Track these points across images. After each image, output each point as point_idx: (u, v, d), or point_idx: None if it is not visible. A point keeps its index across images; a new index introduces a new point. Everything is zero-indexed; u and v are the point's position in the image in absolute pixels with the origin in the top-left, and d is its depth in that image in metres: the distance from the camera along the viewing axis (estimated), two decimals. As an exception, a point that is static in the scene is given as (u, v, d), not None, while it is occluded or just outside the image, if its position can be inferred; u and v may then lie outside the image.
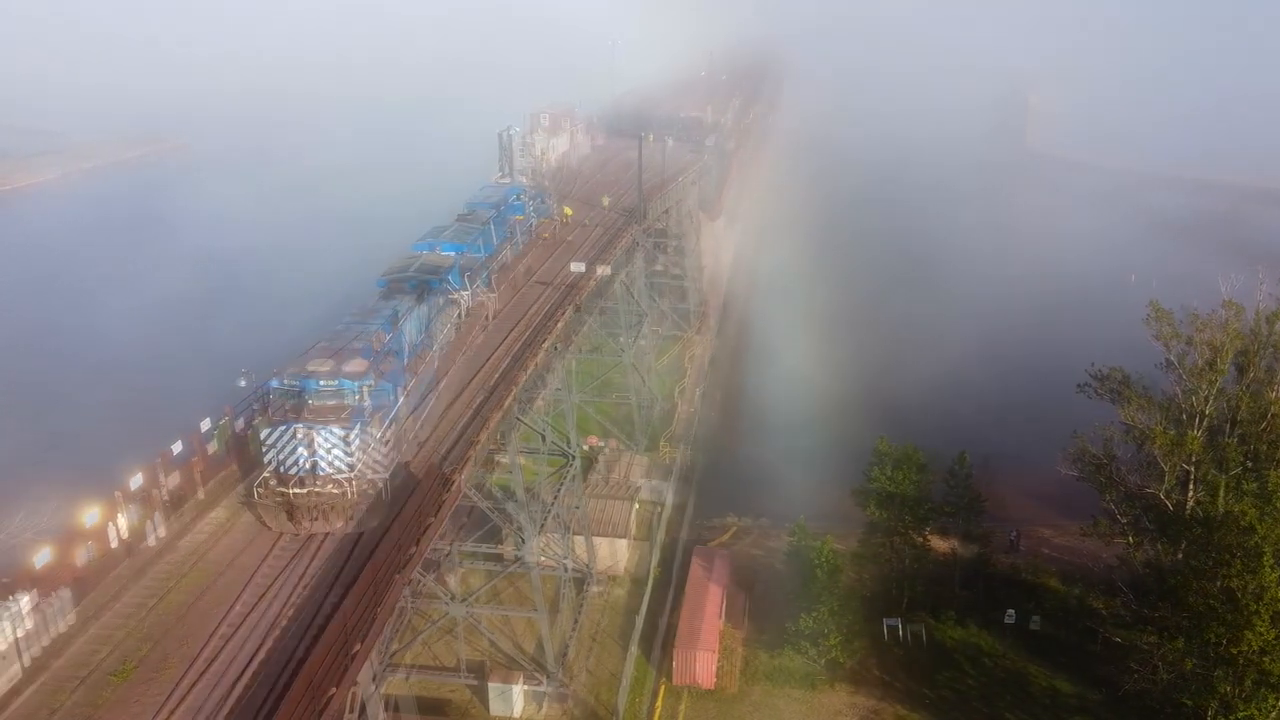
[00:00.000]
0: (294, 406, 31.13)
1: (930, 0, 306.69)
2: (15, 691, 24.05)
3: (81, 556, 27.80)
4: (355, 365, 32.46)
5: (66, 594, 26.88)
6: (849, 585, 54.25)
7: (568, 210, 77.17)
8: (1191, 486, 44.01)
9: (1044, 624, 56.16)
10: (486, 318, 48.58)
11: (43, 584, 26.29)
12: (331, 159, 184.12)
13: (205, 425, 34.66)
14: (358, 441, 31.40)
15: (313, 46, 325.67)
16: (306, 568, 28.55)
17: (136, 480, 30.55)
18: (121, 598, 27.35)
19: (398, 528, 27.57)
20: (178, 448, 32.98)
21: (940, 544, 59.30)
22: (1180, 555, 44.03)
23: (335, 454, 30.71)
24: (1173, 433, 42.17)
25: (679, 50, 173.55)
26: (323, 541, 29.89)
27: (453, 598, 50.08)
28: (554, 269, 60.15)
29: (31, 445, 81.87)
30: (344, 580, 27.18)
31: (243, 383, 37.57)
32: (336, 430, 30.63)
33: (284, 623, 26.07)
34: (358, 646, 24.74)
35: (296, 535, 30.32)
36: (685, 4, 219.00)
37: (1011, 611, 55.24)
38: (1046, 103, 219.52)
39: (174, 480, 32.32)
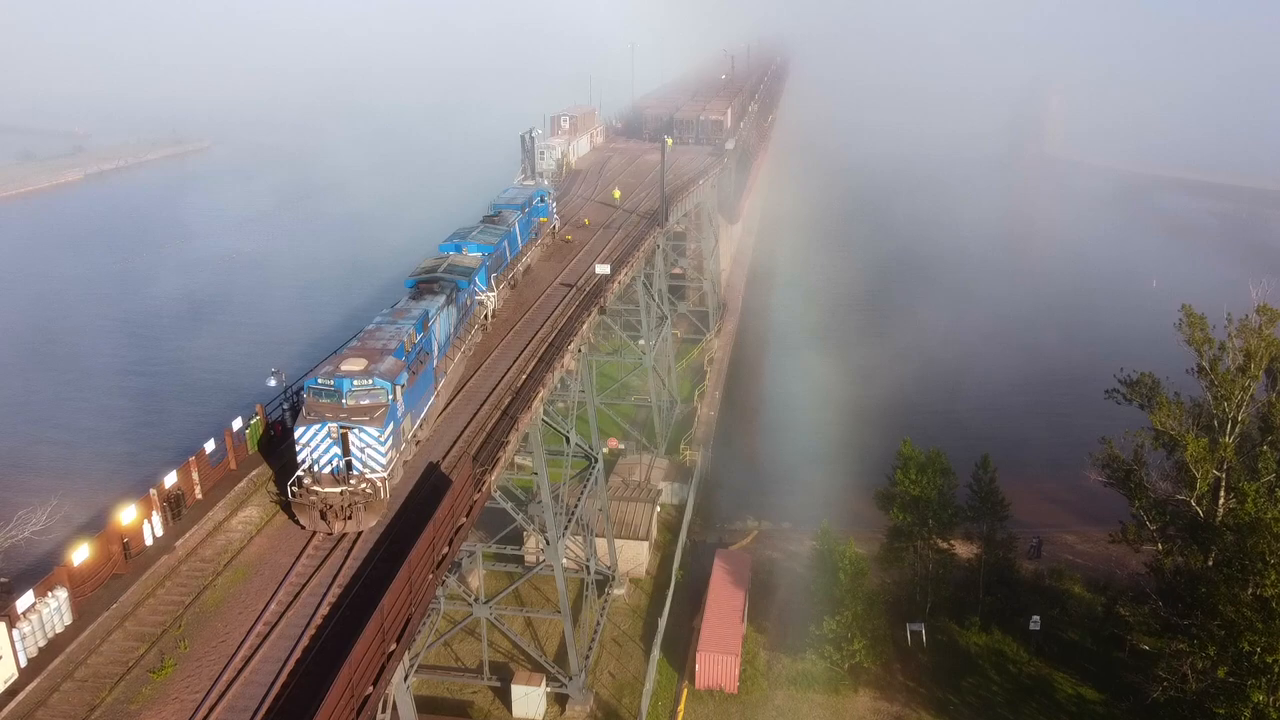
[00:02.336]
0: (328, 405, 31.14)
1: (948, 3, 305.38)
2: (53, 687, 24.15)
3: (118, 554, 27.95)
4: (389, 365, 32.56)
5: (103, 591, 27.04)
6: (871, 589, 53.97)
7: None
8: (1223, 494, 43.60)
9: (1069, 630, 56.01)
10: (486, 317, 48.63)
11: (79, 580, 26.44)
12: (348, 162, 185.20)
13: (237, 424, 34.75)
14: (391, 441, 31.49)
15: (334, 56, 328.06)
16: (341, 566, 28.55)
17: (170, 479, 30.72)
18: (157, 594, 27.44)
19: (431, 528, 27.59)
20: (210, 446, 33.12)
21: (963, 549, 58.99)
22: (1210, 563, 43.64)
23: (369, 453, 30.77)
24: (1204, 439, 41.77)
25: (699, 53, 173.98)
26: (356, 540, 29.93)
27: (476, 599, 50.16)
28: (577, 270, 60.16)
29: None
30: (379, 579, 27.22)
31: (273, 382, 37.80)
32: (370, 430, 30.71)
33: (319, 621, 26.10)
34: (394, 646, 24.81)
35: (330, 534, 30.41)
36: (703, 8, 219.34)
37: (1036, 617, 54.82)
38: (1064, 105, 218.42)
39: (206, 479, 32.46)
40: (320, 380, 31.75)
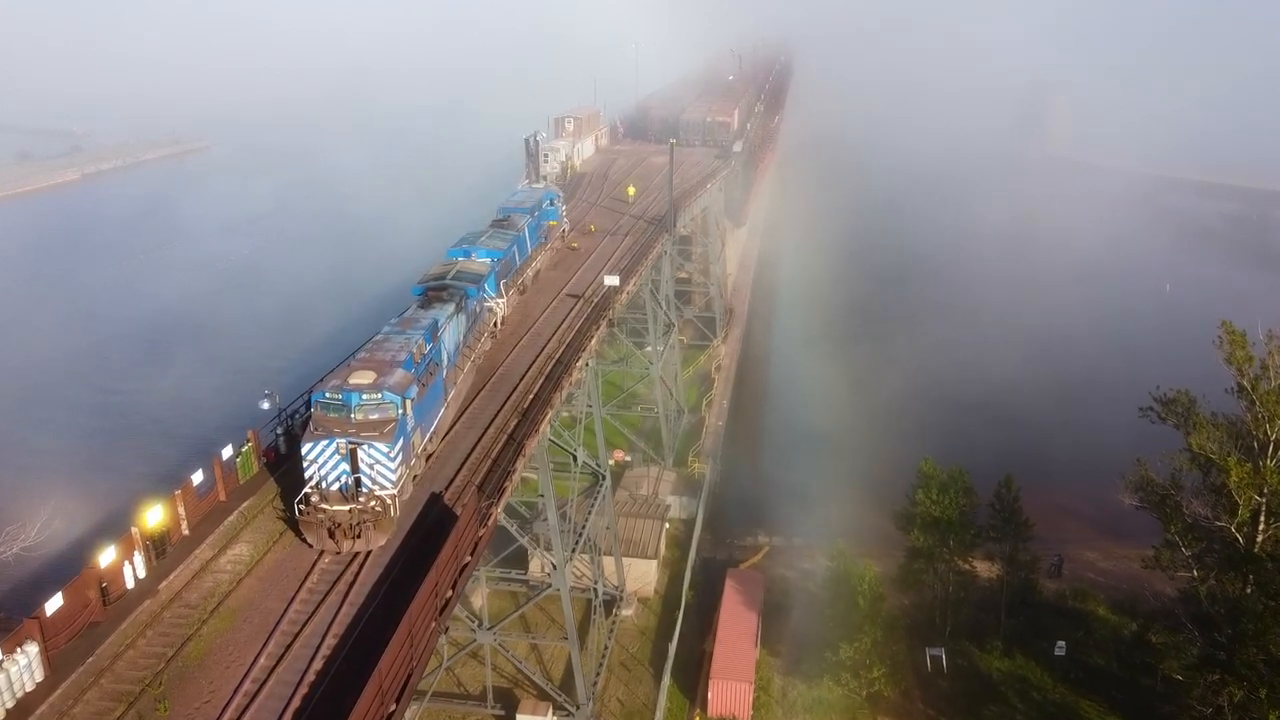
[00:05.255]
0: (336, 420, 29.67)
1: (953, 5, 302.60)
2: (23, 752, 22.13)
3: (95, 600, 25.89)
4: (398, 378, 31.00)
5: (79, 641, 24.99)
6: (891, 614, 51.96)
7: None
8: (1263, 520, 41.49)
9: (1094, 654, 54.04)
10: (495, 324, 46.90)
11: (54, 630, 24.37)
12: (348, 163, 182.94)
13: (227, 452, 32.68)
14: (400, 457, 30.03)
15: (333, 56, 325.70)
16: (337, 611, 26.47)
17: (156, 514, 28.64)
18: (138, 645, 25.36)
19: (434, 572, 25.53)
20: (198, 478, 31.05)
21: (983, 567, 56.96)
22: (1249, 591, 41.59)
23: (378, 470, 29.33)
24: (1248, 464, 39.65)
25: (701, 53, 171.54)
26: (353, 583, 27.83)
27: (480, 624, 48.08)
28: (584, 279, 58.01)
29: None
30: (378, 625, 25.27)
31: (266, 405, 35.81)
32: (380, 446, 29.23)
33: (313, 677, 24.03)
34: (394, 707, 22.75)
35: (339, 553, 29.10)
36: (703, 7, 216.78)
37: (1061, 643, 52.85)
38: (1069, 105, 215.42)
39: (193, 513, 30.40)
40: (328, 394, 30.30)
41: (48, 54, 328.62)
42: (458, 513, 30.69)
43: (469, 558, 29.07)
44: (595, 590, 54.11)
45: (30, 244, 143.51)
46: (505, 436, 36.71)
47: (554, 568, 45.85)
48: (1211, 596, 42.93)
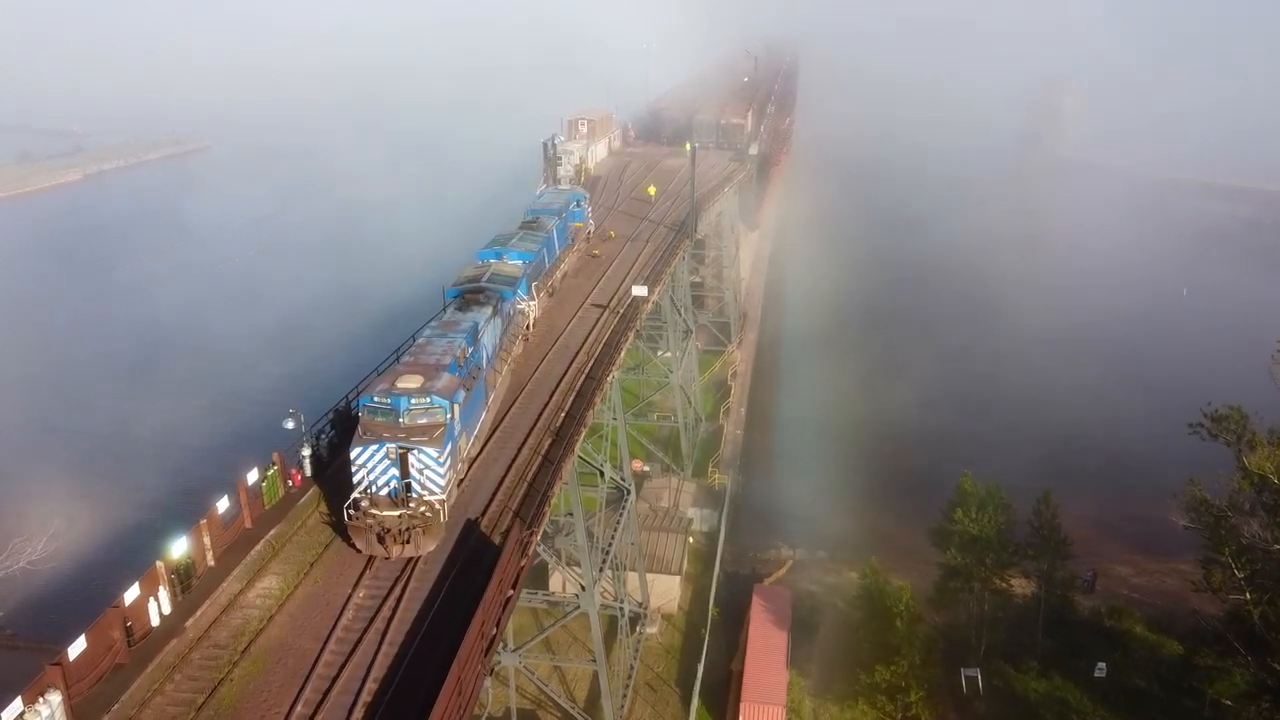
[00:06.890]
0: (385, 425, 29.24)
1: (961, 2, 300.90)
2: (45, 809, 20.56)
3: (119, 640, 24.34)
4: (445, 382, 30.58)
5: (104, 686, 23.43)
6: (929, 635, 50.45)
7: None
8: (1321, 542, 39.95)
9: (1133, 675, 52.55)
10: (528, 327, 45.86)
11: (77, 676, 22.81)
12: (350, 165, 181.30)
13: (252, 476, 31.12)
14: (449, 461, 29.47)
15: (336, 57, 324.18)
16: (376, 653, 24.91)
17: (181, 546, 27.08)
18: (165, 690, 23.79)
19: (481, 611, 23.99)
20: (223, 505, 29.50)
21: (1018, 584, 55.43)
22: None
23: (428, 475, 28.80)
24: (1315, 488, 38.11)
25: (708, 53, 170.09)
26: (391, 618, 26.28)
27: (505, 645, 46.52)
28: (607, 289, 56.44)
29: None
30: (421, 665, 23.76)
31: (290, 424, 34.30)
32: (429, 450, 28.71)
33: (355, 728, 22.50)
34: (443, 762, 21.22)
35: (388, 558, 28.73)
36: (704, 7, 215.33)
37: (1101, 664, 51.33)
38: (1081, 106, 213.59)
39: (218, 543, 28.84)
40: (376, 398, 29.85)
41: (48, 54, 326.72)
42: (496, 542, 29.27)
43: (511, 591, 27.54)
44: (620, 609, 52.58)
45: (31, 245, 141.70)
46: (540, 458, 35.17)
47: (582, 589, 44.35)
48: (1266, 620, 41.42)
